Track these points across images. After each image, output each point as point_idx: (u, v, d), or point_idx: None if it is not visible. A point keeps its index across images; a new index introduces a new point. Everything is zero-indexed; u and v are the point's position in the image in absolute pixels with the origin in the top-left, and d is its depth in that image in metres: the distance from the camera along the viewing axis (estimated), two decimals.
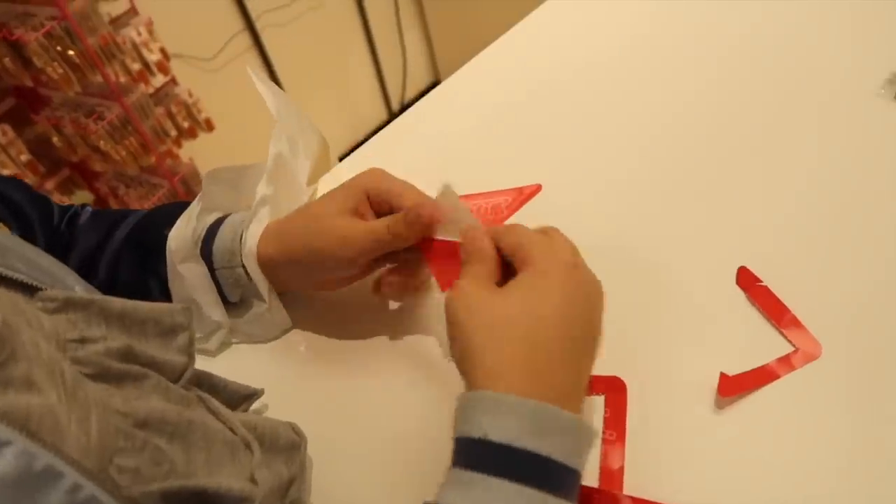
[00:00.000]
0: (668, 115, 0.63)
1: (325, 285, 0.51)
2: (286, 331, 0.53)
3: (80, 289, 0.40)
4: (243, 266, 0.49)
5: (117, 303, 0.36)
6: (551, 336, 0.35)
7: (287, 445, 0.41)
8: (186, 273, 0.50)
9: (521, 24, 0.82)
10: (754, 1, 0.74)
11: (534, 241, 0.39)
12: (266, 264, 0.49)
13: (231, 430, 0.36)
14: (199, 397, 0.37)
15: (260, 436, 0.38)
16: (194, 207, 0.51)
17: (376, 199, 0.48)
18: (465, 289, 0.38)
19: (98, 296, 0.36)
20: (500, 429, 0.32)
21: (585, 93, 0.69)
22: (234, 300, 0.52)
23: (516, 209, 0.58)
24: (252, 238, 0.49)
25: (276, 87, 0.55)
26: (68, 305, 0.34)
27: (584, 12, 0.81)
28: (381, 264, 0.50)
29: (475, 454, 0.32)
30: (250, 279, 0.49)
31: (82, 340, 0.33)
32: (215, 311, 0.51)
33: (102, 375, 0.32)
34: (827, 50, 0.65)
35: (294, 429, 0.43)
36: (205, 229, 0.51)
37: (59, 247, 0.53)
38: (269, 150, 0.53)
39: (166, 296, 0.51)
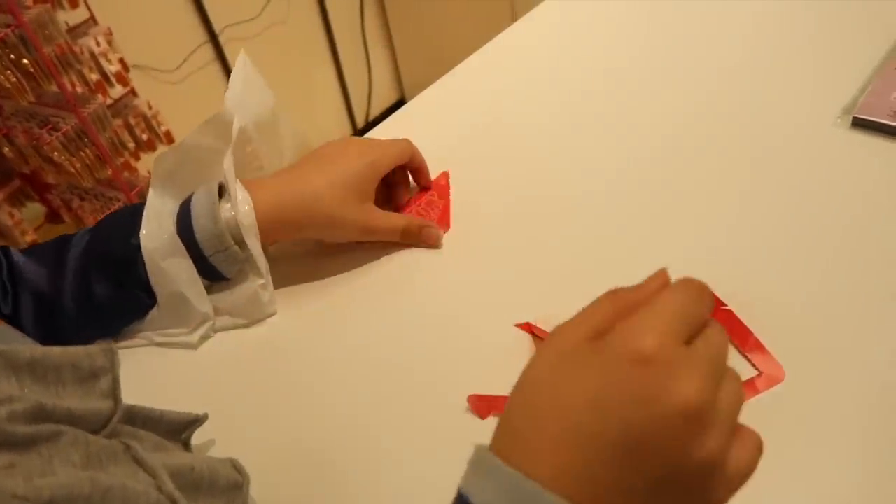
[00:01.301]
0: (632, 140, 0.64)
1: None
2: (269, 316, 0.54)
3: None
4: (236, 244, 0.51)
5: (26, 351, 0.33)
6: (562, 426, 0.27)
7: (227, 486, 0.38)
8: (171, 269, 0.50)
9: (489, 44, 0.82)
10: (711, 36, 0.76)
11: (638, 311, 0.29)
12: (265, 235, 0.52)
13: (158, 487, 0.33)
14: (124, 446, 0.34)
15: (197, 478, 0.36)
16: (153, 204, 0.51)
17: (391, 172, 0.57)
18: (563, 333, 0.30)
19: (2, 346, 0.33)
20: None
21: (554, 113, 0.69)
22: (231, 276, 0.53)
23: (446, 196, 0.62)
24: (247, 217, 0.51)
25: (257, 79, 0.57)
26: None
27: (552, 34, 0.82)
28: None
29: None
30: (243, 253, 0.52)
31: None
32: (203, 304, 0.52)
33: (6, 444, 0.29)
34: (784, 80, 0.67)
35: (235, 466, 0.40)
36: (174, 223, 0.51)
37: None
38: (232, 127, 0.53)
39: (153, 299, 0.51)
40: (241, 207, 0.51)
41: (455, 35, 2.11)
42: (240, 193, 0.51)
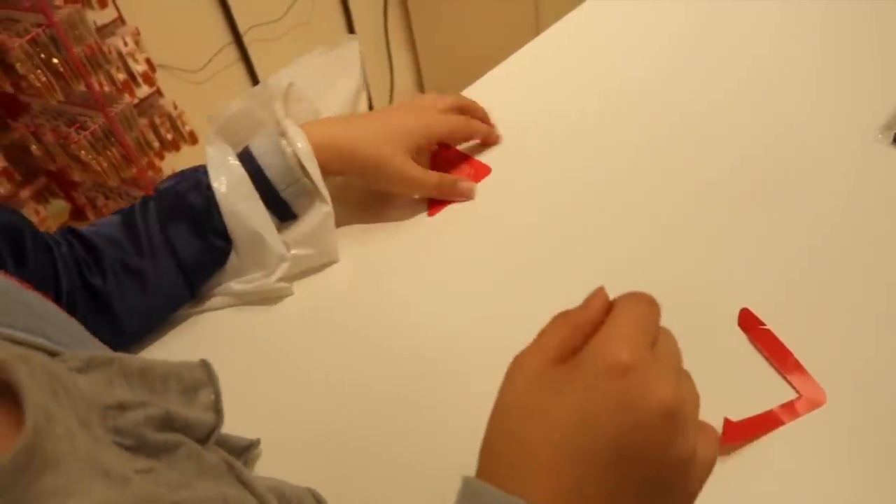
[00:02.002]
0: (665, 155, 0.63)
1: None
2: (334, 248, 0.58)
3: (90, 344, 0.38)
4: (305, 175, 0.55)
5: (136, 361, 0.34)
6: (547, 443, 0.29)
7: None
8: (245, 211, 0.53)
9: (514, 56, 0.81)
10: (746, 48, 0.75)
11: (605, 327, 0.31)
12: (322, 164, 0.56)
13: None
14: (228, 464, 0.35)
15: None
16: (214, 157, 0.55)
17: (441, 140, 0.62)
18: (527, 360, 0.31)
19: (117, 353, 0.34)
20: None
21: (578, 129, 0.69)
22: (299, 213, 0.57)
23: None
24: (305, 147, 0.55)
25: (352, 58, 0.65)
26: (91, 365, 0.32)
27: (576, 46, 0.81)
28: None
29: None
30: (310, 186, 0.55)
31: (121, 407, 0.30)
32: (277, 243, 0.55)
33: (140, 447, 0.30)
34: (825, 96, 0.66)
35: (315, 496, 0.40)
36: (240, 168, 0.54)
37: (63, 269, 0.50)
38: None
39: (226, 250, 0.55)
40: (296, 142, 0.55)
41: (478, 39, 2.11)
42: (291, 129, 0.55)
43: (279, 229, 0.56)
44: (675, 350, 0.32)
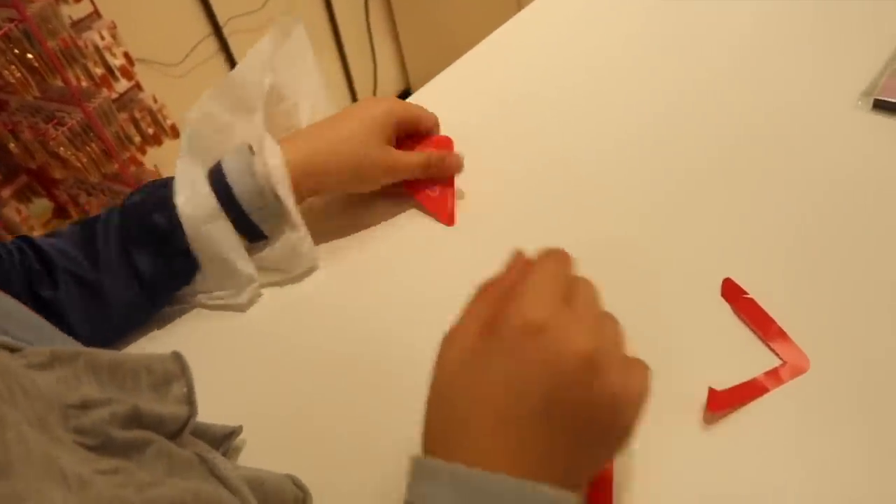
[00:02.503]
0: (649, 127, 0.63)
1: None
2: (311, 271, 0.55)
3: (59, 340, 0.38)
4: (276, 198, 0.51)
5: (105, 354, 0.33)
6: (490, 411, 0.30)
7: (293, 502, 0.38)
8: (212, 233, 0.50)
9: (494, 34, 0.81)
10: (728, 19, 0.74)
11: (514, 291, 0.32)
12: (298, 185, 0.52)
13: (243, 501, 0.33)
14: (200, 458, 0.34)
15: (267, 495, 0.36)
16: (184, 170, 0.51)
17: (402, 126, 0.57)
18: (455, 336, 0.33)
19: (84, 348, 0.33)
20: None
21: (561, 104, 0.68)
22: (269, 234, 0.54)
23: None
24: (277, 169, 0.51)
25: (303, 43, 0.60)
26: (55, 360, 0.31)
27: (557, 24, 0.81)
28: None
29: None
30: (281, 207, 0.52)
31: (83, 406, 0.29)
32: (246, 265, 0.53)
33: (104, 447, 0.29)
34: (803, 63, 0.66)
35: (296, 482, 0.40)
36: (208, 186, 0.51)
37: (18, 284, 0.48)
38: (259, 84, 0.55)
39: (191, 270, 0.52)
40: (271, 160, 0.51)
41: (460, 25, 2.10)
42: (268, 146, 0.52)
43: (250, 250, 0.54)
44: (591, 297, 0.33)
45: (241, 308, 0.54)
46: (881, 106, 0.57)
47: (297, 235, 0.53)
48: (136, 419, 0.31)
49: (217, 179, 0.51)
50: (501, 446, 0.29)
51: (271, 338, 0.52)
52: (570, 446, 0.30)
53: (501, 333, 0.31)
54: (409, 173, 0.58)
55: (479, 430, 0.30)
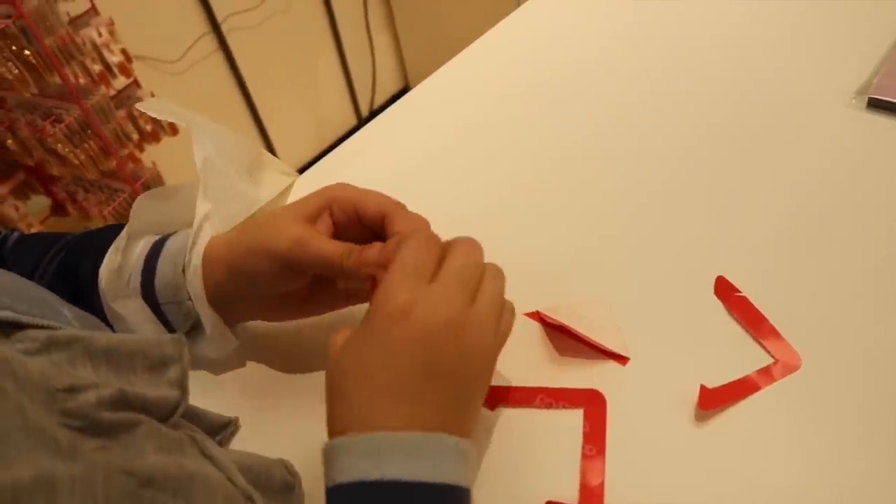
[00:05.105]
0: (644, 125, 0.63)
1: (271, 308, 0.47)
2: (234, 349, 0.48)
3: (67, 312, 0.37)
4: (190, 299, 0.45)
5: (102, 339, 0.33)
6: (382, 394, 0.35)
7: (281, 487, 0.38)
8: (122, 311, 0.44)
9: (493, 30, 0.81)
10: (722, 17, 0.75)
11: (385, 281, 0.36)
12: (211, 285, 0.44)
13: (230, 479, 0.33)
14: (191, 438, 0.35)
15: (256, 478, 0.36)
16: (122, 238, 0.46)
17: (342, 208, 0.44)
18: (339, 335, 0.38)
19: (82, 332, 0.33)
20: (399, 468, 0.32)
21: (558, 100, 0.68)
22: (183, 331, 0.47)
23: None
24: (196, 257, 0.44)
25: (183, 112, 0.50)
26: (50, 345, 0.31)
27: (555, 20, 0.81)
28: (327, 293, 0.47)
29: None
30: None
31: (71, 389, 0.30)
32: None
33: (93, 428, 0.29)
34: (799, 61, 0.66)
35: (287, 467, 0.40)
36: (141, 261, 0.46)
37: None
38: (194, 156, 0.48)
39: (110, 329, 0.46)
40: (194, 259, 0.44)
41: (459, 22, 2.09)
42: (200, 241, 0.45)
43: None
44: (466, 262, 0.37)
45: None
46: (875, 104, 0.58)
47: (211, 347, 0.47)
48: (123, 402, 0.32)
49: (153, 254, 0.46)
50: (396, 413, 0.34)
51: (270, 330, 0.52)
52: (455, 398, 0.35)
53: (373, 323, 0.35)
54: (321, 259, 0.42)
55: (370, 407, 0.34)
